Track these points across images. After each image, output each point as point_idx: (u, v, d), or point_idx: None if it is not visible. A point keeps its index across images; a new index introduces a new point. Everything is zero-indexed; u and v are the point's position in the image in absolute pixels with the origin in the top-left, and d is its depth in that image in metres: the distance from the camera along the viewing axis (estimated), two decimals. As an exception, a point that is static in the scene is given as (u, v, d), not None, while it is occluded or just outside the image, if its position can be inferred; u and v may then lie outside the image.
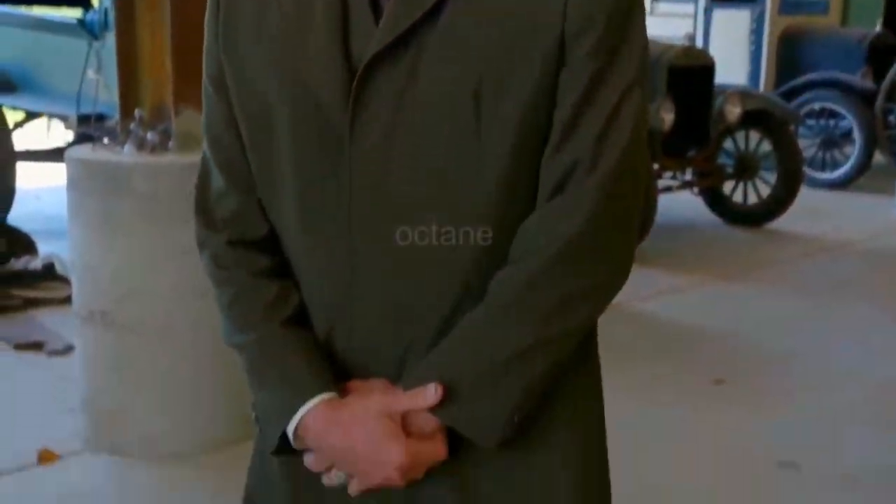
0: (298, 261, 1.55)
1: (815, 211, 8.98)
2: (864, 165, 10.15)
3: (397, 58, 1.40)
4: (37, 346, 5.59)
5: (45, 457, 4.28)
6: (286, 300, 1.55)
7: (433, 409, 1.40)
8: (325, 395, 1.45)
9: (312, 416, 1.45)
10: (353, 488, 1.45)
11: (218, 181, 1.60)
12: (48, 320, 5.94)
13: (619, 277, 1.46)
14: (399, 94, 1.41)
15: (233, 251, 1.59)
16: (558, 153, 1.40)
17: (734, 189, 8.68)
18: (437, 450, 1.43)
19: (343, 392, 1.47)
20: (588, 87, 1.38)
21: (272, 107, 1.49)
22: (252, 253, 1.59)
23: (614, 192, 1.39)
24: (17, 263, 6.60)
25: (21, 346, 5.60)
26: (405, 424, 1.42)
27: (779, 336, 5.99)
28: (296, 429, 1.46)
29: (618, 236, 1.44)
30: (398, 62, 1.40)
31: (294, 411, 1.45)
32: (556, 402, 1.50)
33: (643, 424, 4.59)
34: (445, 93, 1.40)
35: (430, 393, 1.39)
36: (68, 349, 5.22)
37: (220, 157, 1.60)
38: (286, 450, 1.49)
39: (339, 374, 1.51)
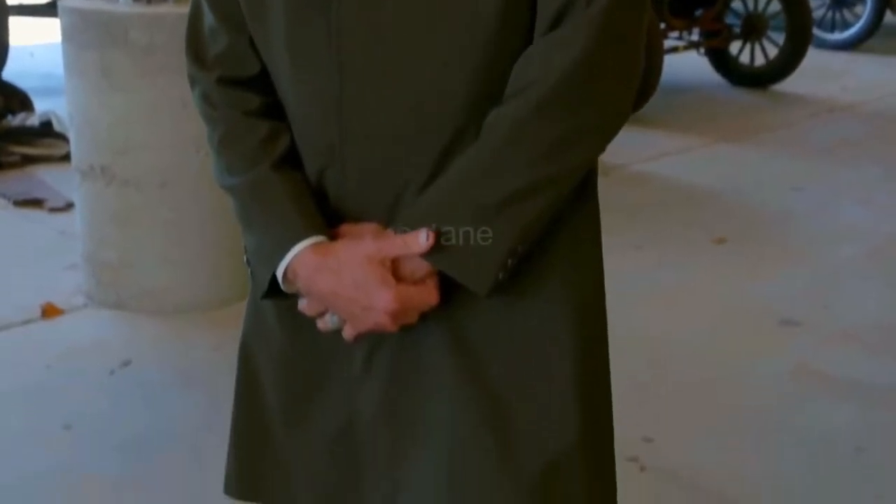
0: (289, 102, 1.54)
1: (822, 72, 8.91)
2: (874, 26, 10.04)
3: None
4: (37, 203, 5.61)
5: (49, 311, 4.32)
6: (276, 140, 1.53)
7: (425, 255, 1.38)
8: (314, 239, 1.44)
9: (301, 259, 1.44)
10: (347, 333, 1.45)
11: (209, 18, 1.58)
12: (47, 177, 5.95)
13: (614, 120, 1.43)
14: None
15: (223, 90, 1.58)
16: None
17: (741, 50, 8.58)
18: (428, 295, 1.42)
19: (334, 236, 1.46)
20: None
21: None
22: (243, 92, 1.57)
23: (613, 30, 1.36)
24: (14, 120, 6.57)
25: (21, 203, 5.61)
26: (396, 269, 1.41)
27: (782, 196, 5.98)
28: (285, 272, 1.46)
29: (614, 76, 1.40)
30: None
31: (283, 255, 1.45)
32: (553, 248, 1.47)
33: (643, 281, 4.65)
34: None
35: (422, 239, 1.37)
36: (69, 206, 5.24)
37: None
38: (276, 293, 1.49)
39: (331, 219, 1.49)
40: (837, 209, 5.77)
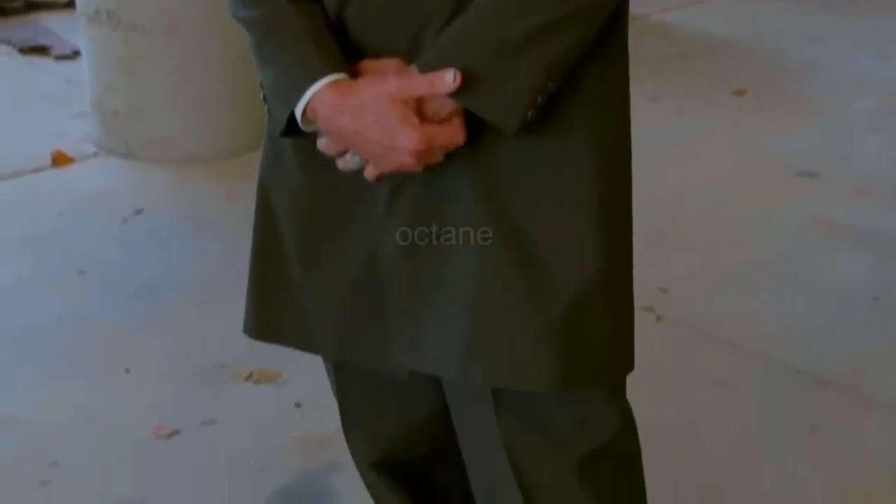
0: None
1: None
2: None
3: None
4: (42, 50, 5.59)
5: (60, 159, 4.34)
6: None
7: (452, 94, 1.36)
8: (334, 76, 1.42)
9: (320, 98, 1.42)
10: (369, 173, 1.44)
11: None
12: (52, 24, 5.90)
13: None
14: None
15: None
16: None
17: None
18: (454, 134, 1.41)
19: (354, 73, 1.44)
20: None
21: None
22: None
23: None
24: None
25: (27, 50, 5.60)
26: (420, 108, 1.39)
27: (801, 48, 5.89)
28: (304, 111, 1.44)
29: None
30: None
31: (301, 92, 1.43)
32: (581, 86, 1.45)
33: (662, 132, 4.62)
34: None
35: (449, 78, 1.34)
36: (75, 53, 5.21)
37: None
38: (295, 131, 1.48)
39: (350, 54, 1.47)
40: (857, 61, 5.68)
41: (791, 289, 3.48)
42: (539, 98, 1.38)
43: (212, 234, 3.78)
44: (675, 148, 4.55)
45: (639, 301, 3.28)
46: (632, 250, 1.60)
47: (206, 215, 3.93)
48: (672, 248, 3.70)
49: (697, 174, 4.31)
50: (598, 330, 1.51)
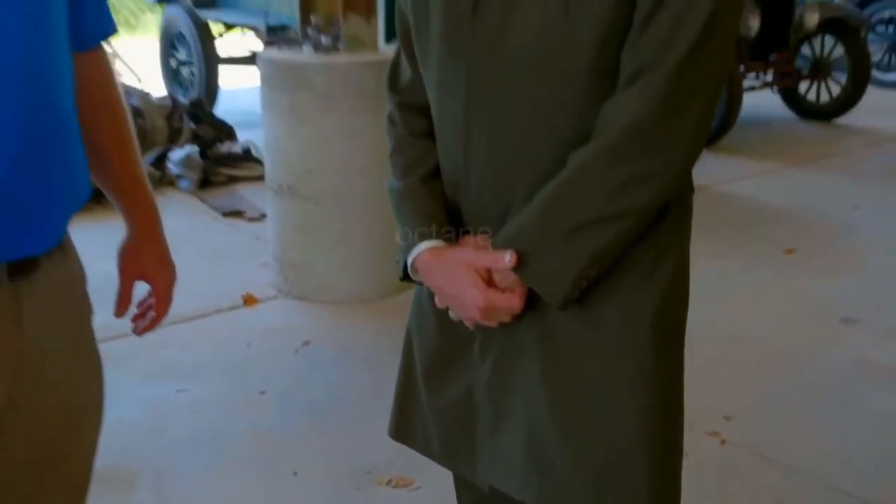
0: (436, 129, 1.58)
1: (880, 108, 8.59)
2: (925, 68, 9.66)
3: None
4: (238, 214, 5.72)
5: (249, 300, 4.41)
6: (427, 159, 1.60)
7: (511, 269, 1.41)
8: (433, 243, 1.51)
9: (421, 257, 1.51)
10: (453, 317, 1.53)
11: (403, 56, 1.66)
12: (247, 193, 6.05)
13: (677, 164, 1.38)
14: None
15: (400, 111, 1.67)
16: (634, 49, 1.33)
17: (809, 88, 8.32)
18: (511, 300, 1.44)
19: (457, 243, 1.52)
20: None
21: (429, 2, 1.50)
22: (413, 115, 1.65)
23: (681, 86, 1.32)
24: (222, 148, 6.69)
25: (227, 214, 5.74)
26: (490, 277, 1.44)
27: (844, 213, 5.79)
28: (412, 266, 1.53)
29: (677, 127, 1.34)
30: None
31: (411, 250, 1.52)
32: (636, 255, 1.44)
33: (725, 284, 4.57)
34: None
35: (507, 258, 1.40)
36: (263, 216, 5.30)
37: (401, 30, 1.63)
38: (409, 279, 1.58)
39: (459, 223, 1.55)
40: (890, 225, 5.56)
41: (838, 418, 3.36)
42: (582, 281, 1.40)
43: (365, 362, 3.79)
44: (736, 297, 4.46)
45: (705, 427, 3.23)
46: (681, 410, 1.56)
47: (360, 346, 3.94)
48: (733, 382, 3.62)
49: (755, 319, 4.23)
50: (638, 476, 1.47)
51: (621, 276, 1.44)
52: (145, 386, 3.56)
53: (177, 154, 6.31)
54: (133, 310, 1.79)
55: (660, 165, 1.36)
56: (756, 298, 4.45)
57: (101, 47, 1.66)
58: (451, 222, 1.54)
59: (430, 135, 1.60)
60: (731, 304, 4.35)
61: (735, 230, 5.43)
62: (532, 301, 1.45)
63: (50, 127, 1.41)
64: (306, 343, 3.98)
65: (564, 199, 1.38)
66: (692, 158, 1.40)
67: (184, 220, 5.57)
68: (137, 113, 6.54)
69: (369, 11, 4.40)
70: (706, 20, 1.30)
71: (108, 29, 1.66)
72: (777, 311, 4.32)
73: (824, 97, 8.29)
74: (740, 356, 3.83)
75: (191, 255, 4.99)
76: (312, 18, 4.40)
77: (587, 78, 1.37)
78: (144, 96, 6.81)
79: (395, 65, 1.69)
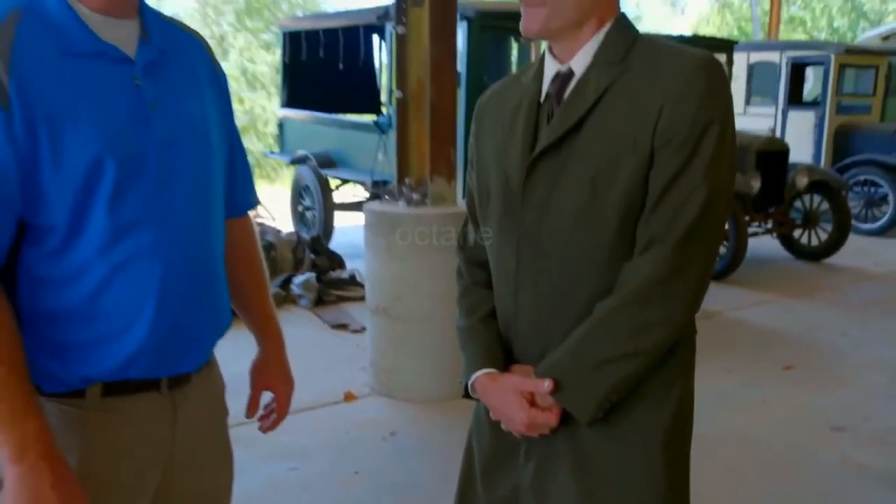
0: (493, 283, 1.60)
1: (860, 251, 8.50)
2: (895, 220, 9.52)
3: (552, 155, 1.43)
4: (344, 327, 5.77)
5: (348, 397, 4.42)
6: (486, 304, 1.62)
7: (549, 393, 1.43)
8: (487, 370, 1.52)
9: (479, 381, 1.53)
10: (503, 428, 1.54)
11: (469, 224, 1.71)
12: (352, 311, 6.10)
13: (685, 313, 1.40)
14: (553, 179, 1.44)
15: (467, 266, 1.70)
16: (646, 225, 1.37)
17: (801, 234, 8.23)
18: (550, 419, 1.45)
19: (507, 369, 1.53)
20: (667, 181, 1.35)
21: (490, 180, 1.56)
22: (476, 269, 1.67)
23: (683, 255, 1.36)
24: (334, 274, 6.80)
25: (335, 326, 5.79)
26: (533, 398, 1.46)
27: (834, 337, 5.64)
28: (473, 385, 1.55)
29: (682, 285, 1.37)
30: (553, 158, 1.43)
31: (470, 375, 1.55)
32: (645, 392, 1.45)
33: (732, 394, 4.47)
34: (577, 179, 1.40)
35: (545, 385, 1.42)
36: (363, 329, 5.36)
37: (468, 203, 1.69)
38: (470, 396, 1.59)
39: (510, 354, 1.56)
40: (872, 348, 5.40)
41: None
42: (606, 403, 1.41)
43: (439, 451, 3.75)
44: (742, 405, 4.34)
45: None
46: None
47: (435, 438, 3.91)
48: (738, 479, 3.49)
49: (758, 424, 4.10)
50: None
51: (638, 401, 1.44)
52: (266, 464, 3.58)
53: (299, 279, 6.44)
54: (260, 411, 1.82)
55: (668, 315, 1.38)
56: (759, 407, 4.33)
57: (247, 214, 1.74)
58: (503, 354, 1.56)
59: (488, 284, 1.63)
60: (738, 411, 4.24)
61: (742, 349, 5.33)
62: (566, 418, 1.46)
63: (208, 275, 1.48)
64: (393, 433, 3.97)
65: (592, 340, 1.40)
66: (694, 308, 1.42)
67: (302, 330, 5.66)
68: (271, 246, 6.72)
69: (450, 175, 4.49)
70: (702, 204, 1.35)
71: (254, 201, 1.74)
72: (777, 418, 4.19)
73: (815, 241, 8.19)
74: (744, 457, 3.71)
75: (305, 358, 5.06)
76: (406, 179, 4.51)
77: (610, 246, 1.40)
78: (277, 233, 7.00)
79: (463, 230, 1.72)
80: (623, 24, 1.46)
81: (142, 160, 1.33)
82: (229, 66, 25.22)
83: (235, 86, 24.89)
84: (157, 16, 1.46)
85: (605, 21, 1.45)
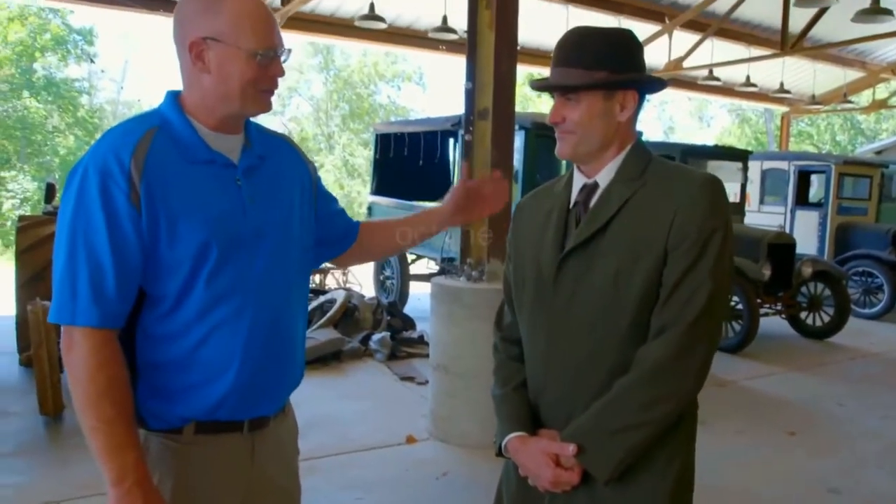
0: (526, 356, 1.57)
1: (859, 332, 8.09)
2: (890, 306, 9.12)
3: (580, 253, 1.43)
4: (411, 379, 5.71)
5: (410, 439, 4.35)
6: (518, 376, 1.59)
7: (573, 455, 1.40)
8: (519, 433, 1.49)
9: (511, 442, 1.50)
10: (531, 483, 1.49)
11: (505, 307, 1.68)
12: (418, 365, 6.06)
13: (689, 389, 1.38)
14: (580, 273, 1.43)
15: (502, 342, 1.67)
16: (660, 313, 1.37)
17: (807, 316, 7.90)
18: (572, 477, 1.42)
19: (535, 433, 1.50)
20: (678, 277, 1.35)
21: (525, 272, 1.55)
22: (510, 345, 1.64)
23: (690, 338, 1.35)
24: (406, 334, 6.79)
25: (404, 378, 5.74)
26: (558, 458, 1.43)
27: (833, 408, 5.35)
28: (505, 446, 1.51)
29: (690, 365, 1.36)
30: (581, 255, 1.43)
31: (504, 437, 1.51)
32: (659, 449, 1.41)
33: (738, 454, 4.25)
34: (601, 274, 1.40)
35: (570, 449, 1.40)
36: (426, 382, 5.28)
37: (504, 287, 1.68)
38: (503, 455, 1.55)
39: (538, 420, 1.53)
40: (866, 419, 5.09)
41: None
42: (622, 465, 1.38)
43: (485, 490, 3.61)
44: (749, 465, 4.11)
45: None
46: None
47: (482, 479, 3.77)
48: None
49: (762, 484, 3.88)
50: None
51: (648, 464, 1.41)
52: (336, 492, 3.50)
53: (376, 336, 6.43)
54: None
55: (676, 390, 1.36)
56: (764, 467, 4.10)
57: (360, 224, 1.79)
58: (532, 419, 1.53)
59: (520, 358, 1.60)
60: (745, 468, 4.02)
61: (752, 414, 5.08)
62: (586, 477, 1.42)
63: (285, 336, 1.50)
64: (445, 473, 3.88)
65: (611, 410, 1.38)
66: (698, 385, 1.40)
67: (375, 380, 5.65)
68: (355, 308, 6.77)
69: (504, 256, 4.47)
70: (708, 296, 1.34)
71: (355, 221, 1.77)
72: (779, 479, 3.96)
73: (819, 322, 7.84)
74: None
75: (375, 404, 5.04)
76: (468, 259, 4.51)
77: (627, 331, 1.39)
78: (361, 298, 7.05)
79: (500, 311, 1.71)
80: (640, 148, 1.48)
81: (238, 244, 1.39)
82: (334, 159, 25.94)
83: (338, 174, 25.55)
84: (259, 129, 1.54)
85: (625, 145, 1.47)
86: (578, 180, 1.51)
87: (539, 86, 1.45)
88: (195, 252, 1.35)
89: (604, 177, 1.46)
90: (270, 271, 1.44)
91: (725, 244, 1.36)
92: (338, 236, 1.71)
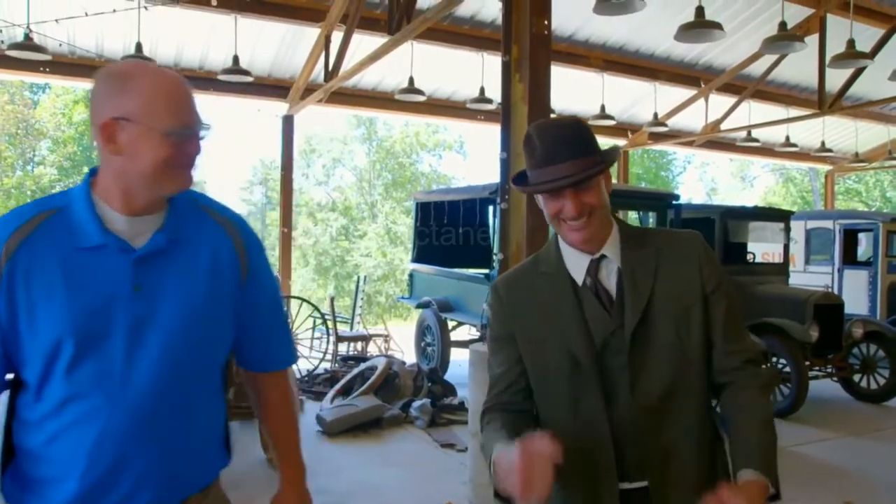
0: (560, 431, 1.44)
1: (915, 395, 7.78)
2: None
3: (620, 337, 1.50)
4: (451, 446, 5.67)
5: (450, 506, 4.32)
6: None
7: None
8: (504, 448, 1.38)
9: (498, 452, 1.39)
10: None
11: (496, 370, 1.66)
12: (459, 432, 6.02)
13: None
14: (642, 344, 1.49)
15: (502, 414, 1.60)
16: (729, 356, 1.51)
17: (861, 378, 7.66)
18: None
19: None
20: (724, 312, 1.51)
21: (548, 358, 1.54)
22: (506, 414, 1.59)
23: (755, 354, 1.55)
24: (446, 400, 6.76)
25: (444, 445, 5.70)
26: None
27: (892, 475, 5.15)
28: (493, 464, 1.41)
29: (768, 381, 1.53)
30: (640, 328, 1.49)
31: (491, 454, 1.44)
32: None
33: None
34: (666, 335, 1.49)
35: (770, 489, 1.40)
36: (466, 448, 5.27)
37: (505, 375, 1.63)
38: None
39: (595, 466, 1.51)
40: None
41: None
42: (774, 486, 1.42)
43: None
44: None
45: None
46: None
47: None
48: None
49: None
50: None
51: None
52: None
53: (416, 403, 6.43)
54: None
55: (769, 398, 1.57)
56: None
57: (281, 371, 1.65)
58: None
59: (517, 425, 1.53)
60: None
61: (804, 481, 4.91)
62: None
63: (173, 431, 1.40)
64: (485, 541, 3.83)
65: (764, 427, 1.47)
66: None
67: (416, 447, 5.64)
68: (396, 375, 6.81)
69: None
70: (738, 310, 1.55)
71: (283, 361, 1.65)
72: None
73: (874, 385, 7.58)
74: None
75: (417, 471, 5.02)
76: (503, 323, 4.55)
77: (697, 369, 1.50)
78: (402, 364, 7.08)
79: (497, 393, 1.65)
80: (618, 219, 1.60)
81: (104, 338, 1.32)
82: (377, 227, 26.39)
83: (380, 242, 25.92)
84: (188, 208, 1.46)
85: (611, 219, 1.57)
86: (579, 258, 1.54)
87: (562, 184, 1.44)
88: (49, 346, 1.31)
89: (610, 250, 1.53)
90: (158, 364, 1.35)
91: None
92: (245, 351, 1.58)
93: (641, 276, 1.50)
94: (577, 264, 1.56)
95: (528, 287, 1.60)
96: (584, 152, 1.46)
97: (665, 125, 11.76)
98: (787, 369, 6.70)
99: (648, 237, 1.56)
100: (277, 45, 9.14)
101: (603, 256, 1.54)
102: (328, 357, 8.40)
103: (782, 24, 7.13)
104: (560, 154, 1.45)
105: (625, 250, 1.53)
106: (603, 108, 10.68)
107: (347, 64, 8.49)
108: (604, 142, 18.44)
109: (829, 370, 7.41)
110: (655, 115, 11.50)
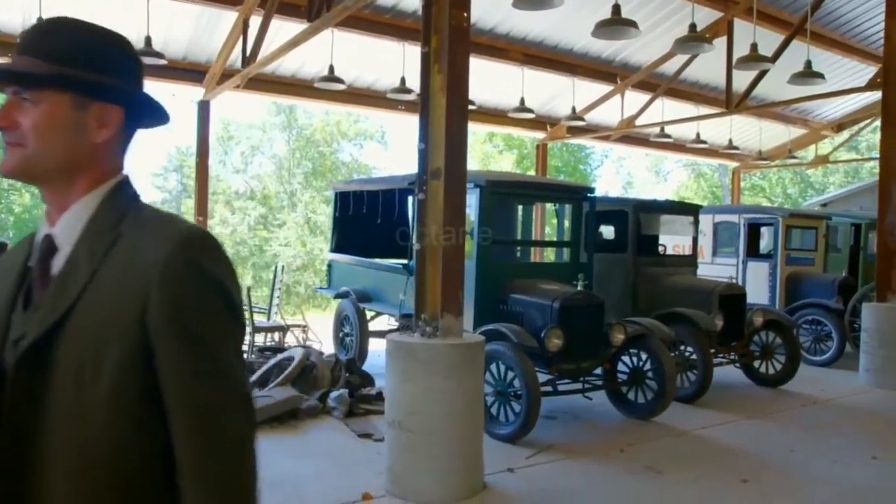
0: None
1: (809, 380, 8.28)
2: (838, 354, 9.39)
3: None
4: (368, 436, 5.68)
5: (366, 496, 4.32)
6: None
7: None
8: None
9: None
10: None
11: None
12: (375, 421, 6.04)
13: None
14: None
15: None
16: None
17: (760, 364, 8.08)
18: None
19: None
20: (184, 378, 1.04)
21: None
22: None
23: None
24: (364, 390, 6.76)
25: (361, 435, 5.70)
26: None
27: (785, 454, 5.46)
28: None
29: None
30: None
31: None
32: None
33: (692, 501, 4.29)
34: (61, 377, 1.02)
35: None
36: (383, 439, 5.25)
37: None
38: None
39: None
40: (817, 464, 5.21)
41: None
42: None
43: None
44: (704, 514, 4.18)
45: None
46: None
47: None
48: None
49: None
50: None
51: None
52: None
53: (334, 393, 6.40)
54: None
55: None
56: (716, 516, 4.17)
57: None
58: None
59: None
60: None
61: (706, 462, 5.15)
62: None
63: None
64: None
65: None
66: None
67: (333, 437, 5.61)
68: (313, 366, 6.75)
69: (458, 312, 4.53)
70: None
71: None
72: (730, 526, 4.03)
73: (771, 371, 8.03)
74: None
75: (333, 462, 5.00)
76: (422, 315, 4.57)
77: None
78: (319, 355, 7.03)
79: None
80: (122, 195, 1.13)
81: None
82: (296, 216, 25.98)
83: (300, 232, 25.55)
84: None
85: (103, 180, 1.12)
86: (43, 227, 1.13)
87: None
88: None
89: (65, 229, 1.09)
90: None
91: None
92: None
93: (73, 277, 1.04)
94: (40, 235, 1.12)
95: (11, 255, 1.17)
96: (50, 54, 1.05)
97: (583, 119, 12.06)
98: (695, 356, 7.01)
99: (129, 219, 1.08)
100: (193, 27, 8.86)
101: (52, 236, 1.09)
102: (245, 348, 8.23)
103: (692, 26, 7.41)
104: (20, 46, 1.08)
105: (89, 232, 1.08)
106: (522, 101, 10.84)
107: (266, 50, 8.31)
108: (524, 134, 18.59)
109: (733, 357, 7.80)
110: (574, 109, 11.77)
